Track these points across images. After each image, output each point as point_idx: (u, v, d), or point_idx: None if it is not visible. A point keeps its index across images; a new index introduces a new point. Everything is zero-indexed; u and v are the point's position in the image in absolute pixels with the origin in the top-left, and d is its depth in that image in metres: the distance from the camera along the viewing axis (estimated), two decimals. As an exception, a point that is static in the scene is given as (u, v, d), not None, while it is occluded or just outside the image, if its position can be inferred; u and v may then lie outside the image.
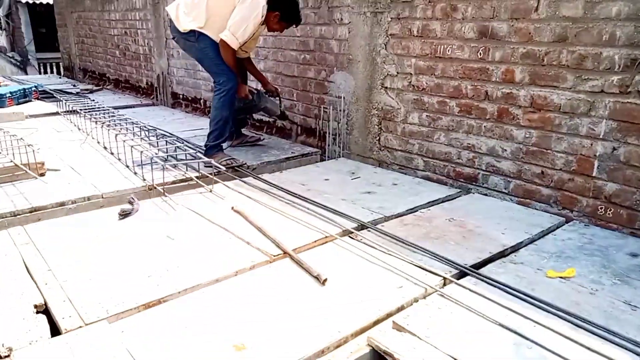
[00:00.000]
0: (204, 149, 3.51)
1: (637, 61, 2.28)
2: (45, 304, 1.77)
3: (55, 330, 1.65)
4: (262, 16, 3.27)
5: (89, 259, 2.09)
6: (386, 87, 3.47)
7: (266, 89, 3.89)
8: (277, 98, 3.95)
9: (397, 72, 3.38)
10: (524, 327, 1.62)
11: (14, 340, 1.55)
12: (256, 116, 4.72)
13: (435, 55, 3.13)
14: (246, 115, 3.96)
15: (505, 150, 2.88)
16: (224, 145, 3.64)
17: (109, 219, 2.52)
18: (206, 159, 3.27)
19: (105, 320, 1.66)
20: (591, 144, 2.52)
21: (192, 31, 3.32)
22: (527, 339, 1.57)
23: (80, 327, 1.62)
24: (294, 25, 3.53)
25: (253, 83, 4.13)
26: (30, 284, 1.89)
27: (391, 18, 3.34)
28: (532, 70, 2.68)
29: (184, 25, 3.34)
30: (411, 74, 3.29)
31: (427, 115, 3.26)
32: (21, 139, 3.32)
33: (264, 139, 4.16)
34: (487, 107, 2.92)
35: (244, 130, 4.14)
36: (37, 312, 1.72)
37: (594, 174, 2.54)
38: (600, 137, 2.48)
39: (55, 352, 1.50)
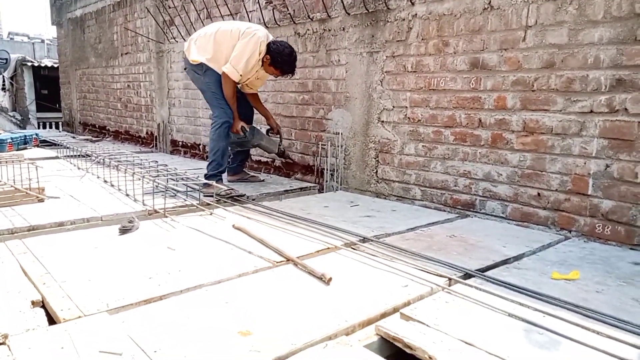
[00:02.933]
0: (204, 178, 3.57)
1: (621, 81, 2.42)
2: (43, 300, 1.72)
3: (53, 324, 1.59)
4: (260, 53, 3.48)
5: (89, 264, 2.05)
6: (383, 121, 3.60)
7: (268, 123, 3.99)
8: (278, 136, 4.01)
9: (393, 106, 3.52)
10: (534, 317, 1.60)
11: (9, 329, 1.49)
12: (254, 157, 4.82)
13: (430, 88, 3.28)
14: (241, 149, 3.98)
15: (501, 174, 2.95)
16: (224, 179, 3.71)
17: (108, 235, 2.50)
18: (205, 189, 3.36)
19: (106, 312, 1.61)
20: (584, 163, 2.60)
21: (201, 64, 3.53)
22: (537, 325, 1.54)
23: (80, 317, 1.57)
24: (283, 75, 3.60)
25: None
26: (28, 284, 1.85)
27: (386, 56, 3.53)
28: (523, 96, 2.81)
29: (192, 57, 3.56)
30: (406, 107, 3.43)
31: (423, 146, 3.36)
32: (21, 165, 3.35)
33: (263, 180, 4.19)
34: (481, 134, 3.03)
35: (245, 169, 4.20)
36: (34, 307, 1.67)
37: (589, 193, 2.60)
38: (593, 155, 2.57)
39: (53, 338, 1.44)
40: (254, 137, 3.79)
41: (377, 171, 3.67)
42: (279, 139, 4.01)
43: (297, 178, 4.34)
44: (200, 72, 3.56)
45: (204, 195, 3.33)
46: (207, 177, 3.57)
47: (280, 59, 3.49)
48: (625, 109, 2.43)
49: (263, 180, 4.14)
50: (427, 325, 1.53)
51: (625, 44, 2.40)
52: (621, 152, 2.46)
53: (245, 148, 3.98)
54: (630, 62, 2.39)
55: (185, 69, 3.80)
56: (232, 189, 3.46)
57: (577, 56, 2.57)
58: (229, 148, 3.75)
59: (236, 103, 3.62)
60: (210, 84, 3.55)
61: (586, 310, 1.64)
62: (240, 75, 3.50)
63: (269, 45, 3.50)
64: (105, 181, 3.84)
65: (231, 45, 3.48)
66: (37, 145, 6.32)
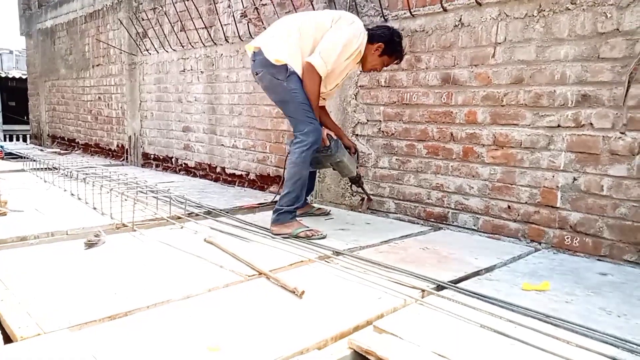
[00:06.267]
0: (274, 213, 2.81)
1: (586, 96, 2.49)
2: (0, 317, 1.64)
3: (10, 342, 1.51)
4: (360, 48, 2.79)
5: (51, 280, 1.97)
6: (357, 134, 3.61)
7: (342, 142, 3.08)
8: (355, 156, 3.22)
9: (367, 120, 3.54)
10: (505, 328, 1.60)
11: (-39, 349, 1.41)
12: (228, 170, 4.76)
13: (403, 103, 3.32)
14: (314, 169, 3.16)
15: (473, 187, 2.99)
16: None
17: (73, 249, 2.41)
18: (277, 227, 2.75)
19: (67, 330, 1.54)
20: (553, 176, 2.66)
21: (285, 66, 2.72)
22: (509, 337, 1.54)
23: (39, 334, 1.50)
24: (396, 62, 3.00)
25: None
26: (-16, 301, 1.76)
27: (360, 71, 3.56)
28: (492, 110, 2.87)
29: (276, 56, 2.71)
30: (380, 120, 3.46)
31: (396, 159, 3.38)
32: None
33: (329, 212, 3.43)
34: (453, 148, 3.07)
35: (308, 202, 3.41)
36: (-10, 326, 1.59)
37: (558, 205, 2.65)
38: (561, 168, 2.62)
39: (8, 358, 1.37)
40: (338, 151, 2.97)
41: (351, 184, 3.67)
42: (356, 160, 3.24)
43: (271, 191, 4.30)
44: (282, 77, 2.73)
45: (274, 234, 2.74)
46: (279, 212, 2.77)
47: (397, 40, 2.87)
48: (591, 124, 2.50)
49: (329, 213, 3.42)
50: (400, 338, 1.52)
51: (589, 61, 2.48)
52: (588, 166, 2.52)
53: (321, 167, 3.23)
54: (594, 78, 2.47)
55: (257, 73, 2.87)
56: (312, 231, 2.73)
57: (544, 72, 2.64)
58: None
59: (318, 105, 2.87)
60: (296, 92, 2.73)
61: (556, 320, 1.65)
62: (328, 71, 2.75)
63: (373, 34, 2.84)
64: (72, 194, 3.73)
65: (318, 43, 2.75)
66: (2, 158, 6.13)
